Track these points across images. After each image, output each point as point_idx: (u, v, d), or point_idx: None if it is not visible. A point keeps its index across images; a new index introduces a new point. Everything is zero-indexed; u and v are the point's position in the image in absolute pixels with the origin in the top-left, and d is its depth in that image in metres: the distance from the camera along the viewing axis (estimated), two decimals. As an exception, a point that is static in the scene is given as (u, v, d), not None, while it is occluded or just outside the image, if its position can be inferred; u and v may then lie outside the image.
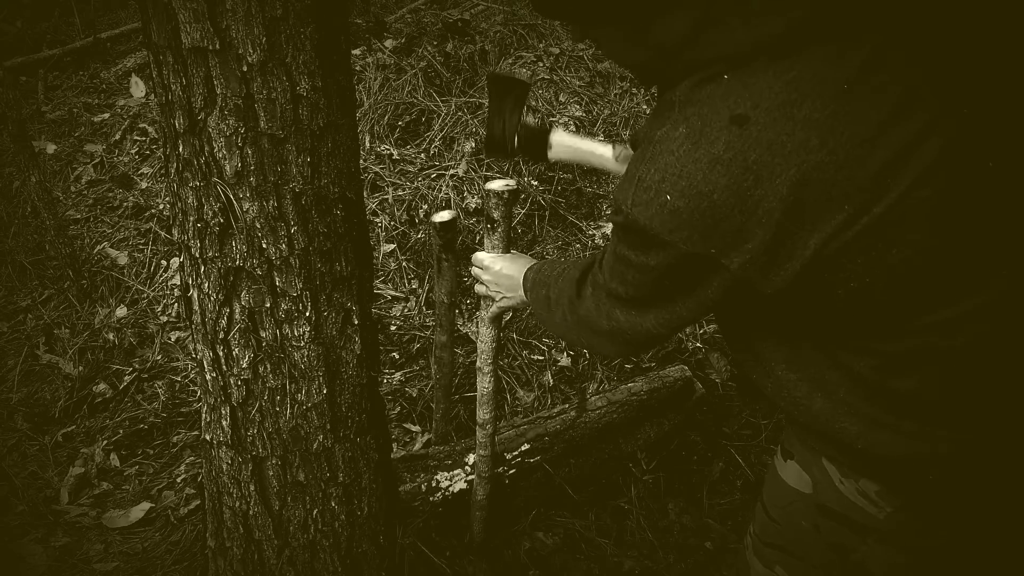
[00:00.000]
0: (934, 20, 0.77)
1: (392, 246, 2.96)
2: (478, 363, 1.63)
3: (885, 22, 0.75)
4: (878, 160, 0.72)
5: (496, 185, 1.42)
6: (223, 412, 1.41)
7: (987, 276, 0.79)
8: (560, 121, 3.37)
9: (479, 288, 1.47)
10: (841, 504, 0.97)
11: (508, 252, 1.46)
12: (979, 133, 0.75)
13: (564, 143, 1.48)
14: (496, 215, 1.42)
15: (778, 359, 0.94)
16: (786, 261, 0.77)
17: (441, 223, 1.72)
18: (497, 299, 1.43)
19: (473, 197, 3.07)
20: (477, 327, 1.58)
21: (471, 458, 1.89)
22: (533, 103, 3.43)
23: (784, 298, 0.81)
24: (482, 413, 1.69)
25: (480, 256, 1.45)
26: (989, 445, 0.85)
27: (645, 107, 3.53)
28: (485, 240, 1.46)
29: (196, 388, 2.55)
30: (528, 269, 1.29)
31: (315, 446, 1.45)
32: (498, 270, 1.40)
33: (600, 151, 1.46)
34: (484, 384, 1.64)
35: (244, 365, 1.35)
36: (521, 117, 1.49)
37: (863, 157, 0.72)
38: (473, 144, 3.26)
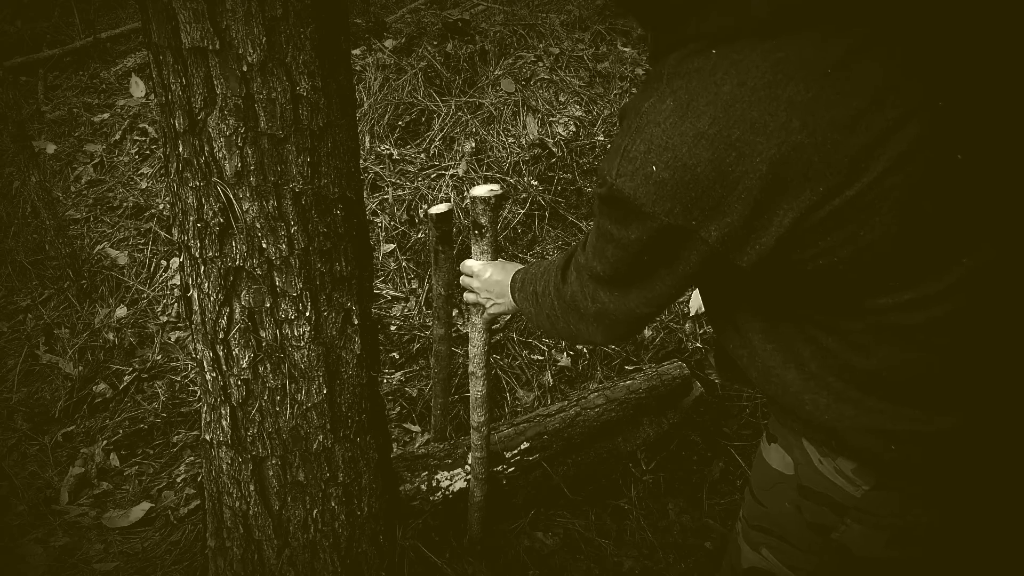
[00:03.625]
0: (919, 14, 0.78)
1: (392, 246, 2.96)
2: (471, 368, 1.64)
3: (872, 13, 0.77)
4: (855, 145, 0.74)
5: (482, 191, 1.42)
6: (223, 412, 1.41)
7: (948, 263, 0.81)
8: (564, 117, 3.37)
9: (469, 296, 1.48)
10: (820, 484, 0.99)
11: (496, 258, 1.47)
12: (951, 126, 0.77)
13: None
14: (483, 220, 1.43)
15: (754, 330, 0.96)
16: (762, 236, 0.79)
17: (437, 215, 1.73)
18: (488, 306, 1.44)
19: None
20: (469, 332, 1.59)
21: (471, 457, 1.89)
22: (533, 103, 3.43)
23: (758, 272, 0.83)
24: (476, 416, 1.70)
25: (469, 264, 1.46)
26: (953, 426, 0.87)
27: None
28: (473, 246, 1.46)
29: (196, 388, 2.55)
30: (516, 272, 1.32)
31: (315, 446, 1.45)
32: (487, 277, 1.42)
33: None
34: (477, 388, 1.65)
35: (244, 365, 1.35)
36: None
37: (841, 141, 0.74)
38: (473, 144, 3.26)
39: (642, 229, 0.84)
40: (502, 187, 1.42)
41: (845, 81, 0.74)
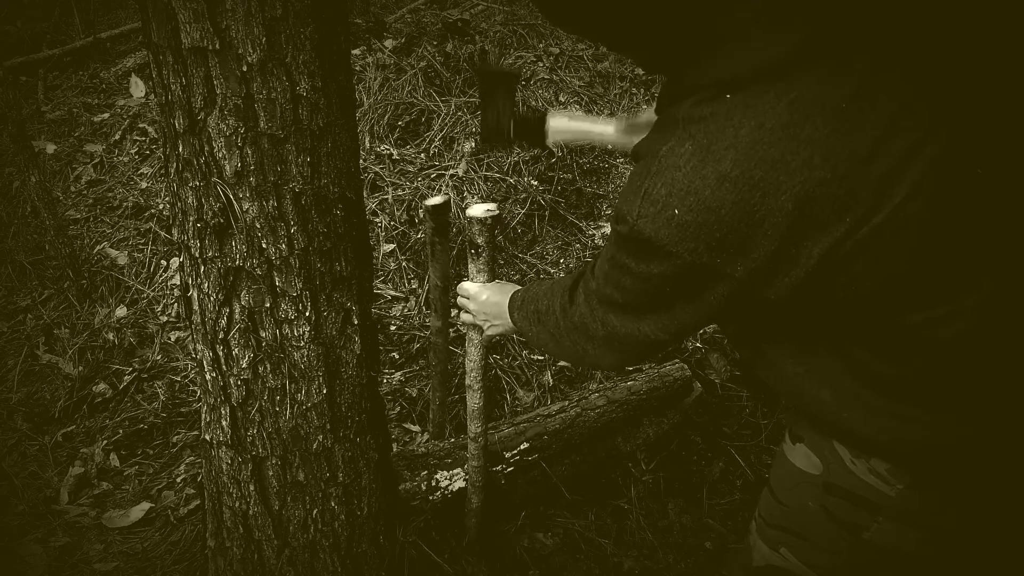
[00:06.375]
0: (922, 39, 0.79)
1: (392, 246, 2.96)
2: (467, 380, 1.65)
3: (876, 43, 0.78)
4: (876, 174, 0.76)
5: (478, 211, 1.42)
6: (223, 412, 1.41)
7: (977, 278, 0.83)
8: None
9: (465, 317, 1.49)
10: (852, 484, 1.00)
11: (493, 276, 1.47)
12: (967, 144, 0.79)
13: (562, 127, 1.45)
14: (480, 240, 1.43)
15: (782, 354, 0.97)
16: (790, 270, 0.80)
17: (433, 206, 1.75)
18: (486, 328, 1.44)
19: (473, 197, 3.07)
20: (467, 347, 1.60)
21: (468, 466, 1.90)
22: (533, 102, 3.43)
23: (787, 302, 0.84)
24: (473, 427, 1.71)
25: (466, 286, 1.46)
26: (988, 431, 0.89)
27: (645, 107, 3.53)
28: (470, 265, 1.46)
29: (196, 388, 2.55)
30: (515, 292, 1.32)
31: (315, 446, 1.45)
32: (485, 299, 1.42)
33: (600, 129, 1.43)
34: (474, 400, 1.66)
35: (244, 365, 1.35)
36: (514, 105, 1.46)
37: (862, 172, 0.76)
38: (473, 144, 3.26)
39: (664, 266, 0.85)
40: (499, 207, 1.43)
41: (860, 112, 0.75)
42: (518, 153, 3.23)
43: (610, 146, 1.46)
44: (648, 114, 1.34)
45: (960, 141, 0.78)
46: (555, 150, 3.24)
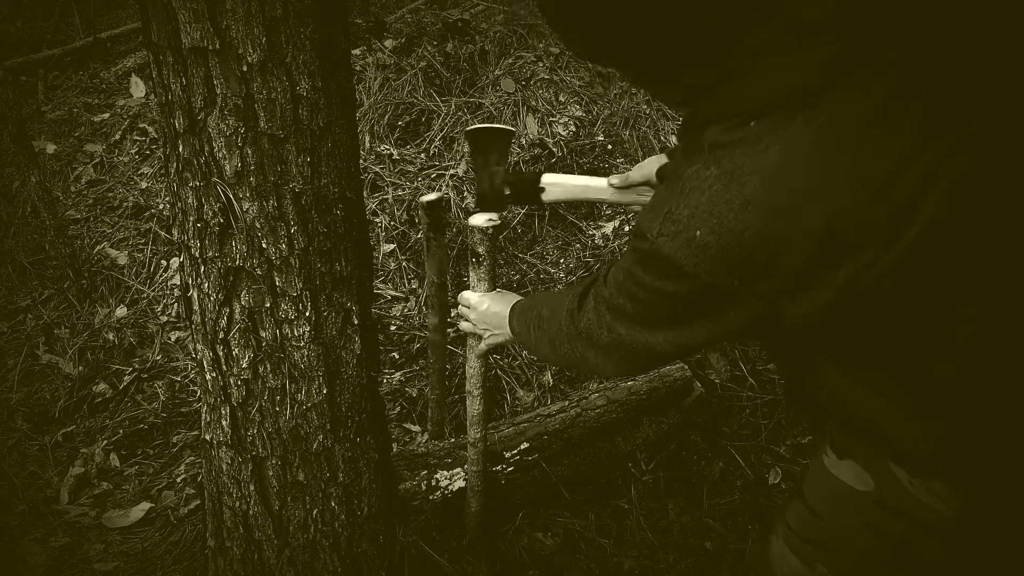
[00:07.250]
0: (941, 58, 0.79)
1: (392, 246, 2.96)
2: (467, 387, 1.66)
3: (896, 60, 0.78)
4: (902, 194, 0.76)
5: (480, 220, 1.42)
6: (223, 412, 1.41)
7: (1010, 280, 0.83)
8: (558, 124, 3.37)
9: (465, 326, 1.50)
10: (907, 502, 1.00)
11: (494, 286, 1.48)
12: (984, 160, 0.79)
13: (557, 183, 1.47)
14: (481, 250, 1.43)
15: (828, 372, 0.97)
16: (818, 290, 0.80)
17: (428, 203, 1.76)
18: (485, 336, 1.45)
19: (473, 197, 3.07)
20: (467, 353, 1.61)
21: (467, 470, 1.91)
22: (533, 103, 3.43)
23: (812, 319, 0.84)
24: (473, 433, 1.72)
25: (467, 296, 1.47)
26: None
27: (645, 107, 3.53)
28: (471, 273, 1.47)
29: (196, 388, 2.55)
30: (516, 302, 1.34)
31: (315, 446, 1.45)
32: (485, 309, 1.43)
33: (595, 184, 1.45)
34: (474, 406, 1.67)
35: (244, 365, 1.35)
36: (507, 167, 1.48)
37: (888, 192, 0.75)
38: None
39: (680, 285, 0.86)
40: (501, 216, 1.44)
41: (883, 133, 0.76)
42: (518, 153, 3.23)
43: (606, 201, 1.48)
44: (642, 169, 1.37)
45: (977, 159, 0.78)
46: (555, 150, 3.24)
